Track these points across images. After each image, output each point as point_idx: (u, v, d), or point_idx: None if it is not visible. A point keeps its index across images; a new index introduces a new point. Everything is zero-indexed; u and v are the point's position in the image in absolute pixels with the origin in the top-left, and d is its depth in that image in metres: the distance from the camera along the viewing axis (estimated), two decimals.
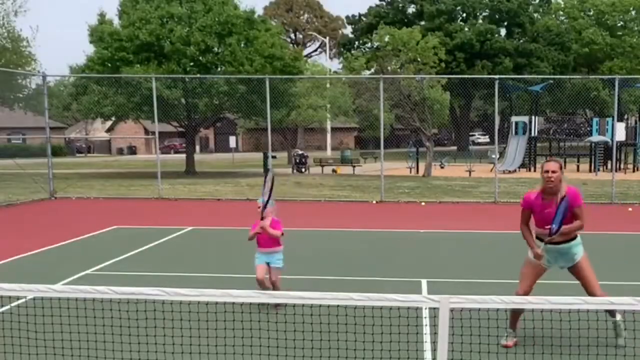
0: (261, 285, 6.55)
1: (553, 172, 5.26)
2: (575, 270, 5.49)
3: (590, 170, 29.27)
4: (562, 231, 5.23)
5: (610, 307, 3.55)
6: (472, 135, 64.56)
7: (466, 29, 48.31)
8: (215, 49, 27.05)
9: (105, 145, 67.60)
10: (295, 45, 66.52)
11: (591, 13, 50.42)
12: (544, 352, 4.88)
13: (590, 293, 5.31)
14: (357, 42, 53.25)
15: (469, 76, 32.58)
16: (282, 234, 6.77)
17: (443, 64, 33.35)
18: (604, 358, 4.48)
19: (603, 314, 3.99)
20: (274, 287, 6.66)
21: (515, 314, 5.42)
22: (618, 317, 5.27)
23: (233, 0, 28.06)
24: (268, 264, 6.70)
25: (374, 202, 17.48)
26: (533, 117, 31.31)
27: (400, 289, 4.95)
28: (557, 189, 5.31)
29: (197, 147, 49.27)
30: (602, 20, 49.15)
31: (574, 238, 5.44)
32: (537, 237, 5.49)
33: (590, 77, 39.97)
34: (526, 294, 5.23)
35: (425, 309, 5.67)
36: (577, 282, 8.12)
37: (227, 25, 26.55)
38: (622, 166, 29.17)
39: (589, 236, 11.85)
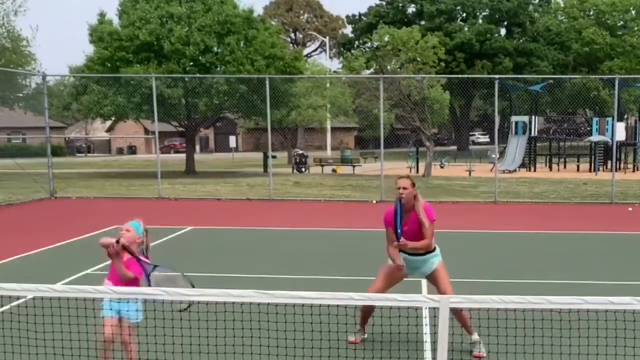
0: (107, 347, 4.73)
1: (404, 188, 5.52)
2: (431, 278, 5.74)
3: (590, 170, 29.28)
4: (408, 246, 5.48)
5: (610, 307, 3.53)
6: (472, 135, 64.60)
7: (466, 28, 48.33)
8: (215, 48, 27.04)
9: (105, 145, 67.60)
10: (295, 45, 66.51)
11: (591, 13, 50.40)
12: (544, 352, 4.88)
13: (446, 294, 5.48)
14: (357, 42, 53.27)
15: (469, 76, 32.56)
16: (137, 278, 4.73)
17: (443, 64, 33.35)
18: (604, 358, 4.48)
19: (603, 313, 3.98)
20: (126, 352, 4.83)
21: (365, 312, 5.66)
22: (474, 337, 5.44)
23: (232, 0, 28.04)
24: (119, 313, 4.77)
25: (374, 202, 17.46)
26: (533, 117, 31.31)
27: (400, 289, 4.95)
28: (411, 205, 5.57)
29: (197, 147, 49.28)
30: (602, 20, 49.14)
31: (432, 250, 5.69)
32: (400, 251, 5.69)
33: (590, 76, 39.92)
34: (377, 292, 5.37)
35: (425, 308, 5.67)
36: (577, 281, 8.15)
37: (227, 25, 26.54)
38: (622, 166, 29.17)
39: (589, 236, 11.92)
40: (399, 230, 5.51)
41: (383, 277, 5.74)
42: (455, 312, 5.28)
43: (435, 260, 5.71)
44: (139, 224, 4.97)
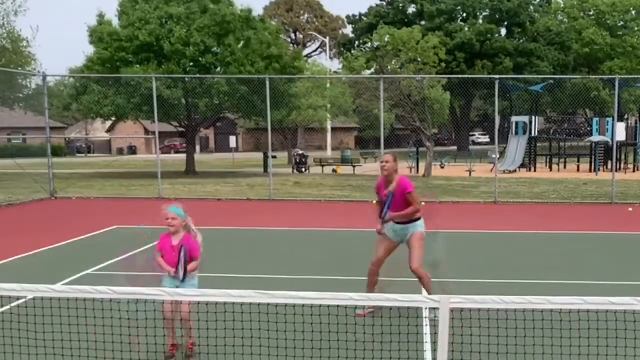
0: (168, 325, 5.02)
1: (386, 161, 6.27)
2: (408, 243, 6.40)
3: (590, 170, 29.27)
4: (393, 217, 6.31)
5: (610, 307, 3.53)
6: (472, 135, 64.61)
7: (466, 28, 48.33)
8: (215, 49, 27.01)
9: (105, 145, 67.59)
10: (295, 45, 66.50)
11: (591, 13, 50.42)
12: (544, 352, 4.88)
13: (410, 265, 6.26)
14: (357, 42, 53.26)
15: (469, 76, 32.56)
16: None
17: (443, 64, 33.33)
18: (604, 358, 4.48)
19: (603, 313, 3.98)
20: (184, 327, 5.05)
21: (371, 281, 6.39)
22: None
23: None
24: None
25: (374, 202, 17.45)
26: (533, 117, 31.31)
27: (400, 289, 4.96)
28: (391, 178, 6.29)
29: (197, 147, 49.26)
30: (602, 20, 49.16)
31: (417, 220, 6.36)
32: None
33: (590, 77, 39.96)
34: (376, 264, 6.40)
35: (425, 308, 5.67)
36: (577, 281, 8.15)
37: (224, 25, 26.49)
38: (622, 166, 29.17)
39: (589, 236, 11.91)
40: (385, 210, 6.31)
41: (378, 246, 6.56)
42: (419, 277, 6.26)
43: (415, 230, 6.32)
44: (179, 208, 5.16)
